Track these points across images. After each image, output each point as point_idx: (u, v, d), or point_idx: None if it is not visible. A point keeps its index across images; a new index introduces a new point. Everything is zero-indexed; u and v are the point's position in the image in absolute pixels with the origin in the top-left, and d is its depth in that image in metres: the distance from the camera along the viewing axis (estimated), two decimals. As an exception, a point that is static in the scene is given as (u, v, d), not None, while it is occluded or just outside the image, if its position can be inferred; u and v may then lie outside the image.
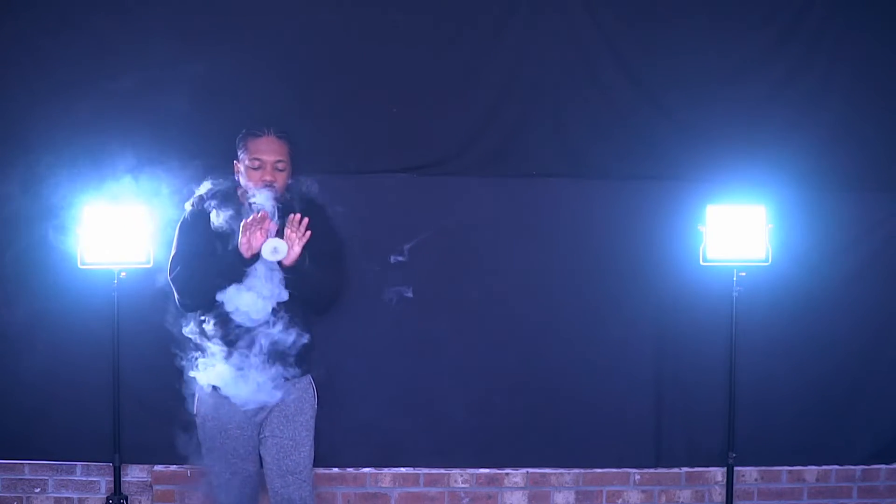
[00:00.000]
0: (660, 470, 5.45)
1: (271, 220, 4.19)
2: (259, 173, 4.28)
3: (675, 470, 5.46)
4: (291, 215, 4.22)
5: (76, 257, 4.83)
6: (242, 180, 4.34)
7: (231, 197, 4.35)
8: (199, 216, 4.30)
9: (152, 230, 4.84)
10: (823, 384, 5.44)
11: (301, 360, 4.41)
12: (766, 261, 5.08)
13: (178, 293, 4.29)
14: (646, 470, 5.44)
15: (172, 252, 4.33)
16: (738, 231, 5.07)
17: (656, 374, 5.41)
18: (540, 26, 5.23)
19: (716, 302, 5.27)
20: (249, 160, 4.31)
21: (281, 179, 4.32)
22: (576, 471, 5.41)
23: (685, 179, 5.29)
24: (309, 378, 4.51)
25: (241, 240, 4.15)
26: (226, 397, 4.32)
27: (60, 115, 5.04)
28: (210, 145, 4.87)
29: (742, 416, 5.34)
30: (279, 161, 4.32)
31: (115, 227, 4.84)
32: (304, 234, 4.19)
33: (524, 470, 5.41)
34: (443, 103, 5.23)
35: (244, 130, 4.38)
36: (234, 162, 4.38)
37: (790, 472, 5.49)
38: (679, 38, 5.28)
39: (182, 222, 4.37)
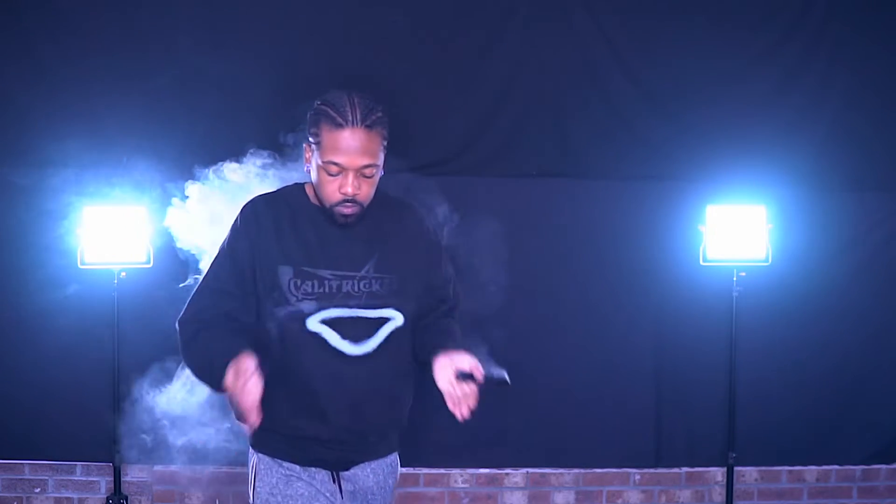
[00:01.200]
0: (660, 470, 5.51)
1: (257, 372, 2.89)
2: (336, 182, 3.00)
3: (676, 470, 5.52)
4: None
5: (76, 257, 4.88)
6: (313, 175, 3.07)
7: (296, 198, 3.16)
8: (258, 223, 3.10)
9: (152, 230, 4.87)
10: (823, 384, 5.48)
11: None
12: (766, 261, 5.15)
13: (182, 351, 3.13)
14: (646, 470, 5.51)
15: (204, 274, 3.15)
16: (737, 231, 5.12)
17: (656, 374, 5.47)
18: (540, 27, 5.27)
19: (716, 302, 5.33)
20: (323, 160, 3.00)
21: (367, 189, 3.04)
22: (576, 471, 5.47)
23: (685, 179, 5.35)
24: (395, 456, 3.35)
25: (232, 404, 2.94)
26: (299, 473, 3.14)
27: (59, 115, 5.08)
28: (213, 146, 4.77)
29: (742, 416, 5.37)
30: (368, 166, 3.00)
31: (116, 227, 4.87)
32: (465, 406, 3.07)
33: (524, 470, 5.46)
34: (443, 104, 5.24)
35: (317, 103, 3.06)
36: (304, 145, 3.09)
37: (790, 472, 5.55)
38: (679, 39, 5.35)
39: (233, 231, 3.12)
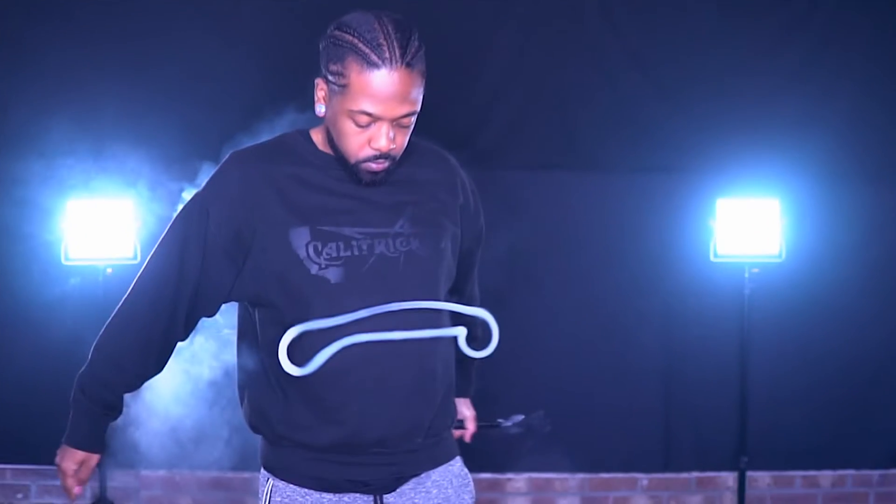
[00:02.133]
0: (668, 475, 5.51)
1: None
2: (365, 134, 2.52)
3: (685, 475, 5.52)
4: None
5: (60, 253, 4.87)
6: (332, 122, 2.57)
7: (301, 148, 2.67)
8: (249, 181, 2.57)
9: (139, 224, 4.88)
10: (839, 385, 5.46)
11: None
12: (780, 257, 5.12)
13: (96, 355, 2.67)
14: (654, 475, 5.51)
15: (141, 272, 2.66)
16: (750, 225, 5.10)
17: (665, 374, 5.47)
18: (543, 14, 5.28)
19: (727, 300, 5.30)
20: (350, 108, 2.50)
21: (403, 140, 2.58)
22: (581, 476, 5.48)
23: (694, 172, 5.32)
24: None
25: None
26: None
27: (42, 103, 5.07)
28: (202, 137, 4.87)
29: (754, 418, 5.34)
30: (407, 115, 2.54)
31: (101, 222, 4.86)
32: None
33: (527, 475, 5.48)
34: (440, 94, 5.03)
35: (337, 30, 2.55)
36: (317, 80, 2.58)
37: (804, 477, 5.54)
38: (689, 27, 5.34)
39: (189, 209, 2.61)
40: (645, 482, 5.54)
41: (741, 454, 5.37)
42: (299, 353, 2.46)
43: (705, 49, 5.36)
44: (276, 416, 2.60)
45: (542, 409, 5.16)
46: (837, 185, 5.41)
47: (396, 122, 2.53)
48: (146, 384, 2.67)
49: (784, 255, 5.15)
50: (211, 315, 2.66)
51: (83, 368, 2.64)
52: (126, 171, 4.93)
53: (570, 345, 5.45)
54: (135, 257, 4.89)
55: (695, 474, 5.56)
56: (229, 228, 2.54)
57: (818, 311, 5.42)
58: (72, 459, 2.65)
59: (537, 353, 5.37)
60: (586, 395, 5.45)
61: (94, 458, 2.67)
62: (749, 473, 5.43)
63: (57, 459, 2.67)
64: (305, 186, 2.59)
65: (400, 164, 2.63)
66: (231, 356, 4.50)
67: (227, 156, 2.62)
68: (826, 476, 5.57)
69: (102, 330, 2.64)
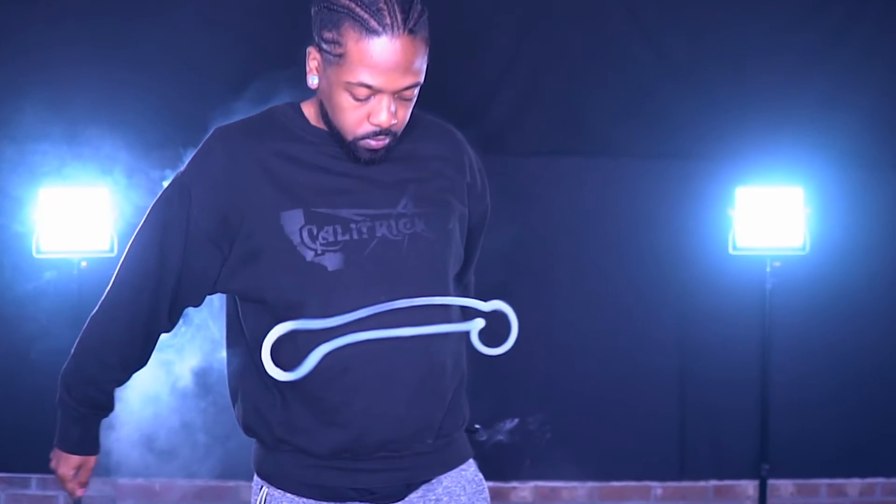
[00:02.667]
0: (684, 483, 5.49)
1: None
2: (363, 109, 2.41)
3: (702, 483, 5.49)
4: None
5: (31, 245, 4.85)
6: (326, 94, 2.45)
7: (291, 123, 2.55)
8: (234, 160, 2.47)
9: (116, 215, 4.85)
10: (868, 386, 5.47)
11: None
12: (804, 249, 5.11)
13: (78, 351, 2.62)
14: (669, 483, 5.48)
15: (122, 261, 2.62)
16: (771, 216, 5.08)
17: (680, 375, 5.45)
18: None
19: (746, 295, 5.29)
20: (348, 79, 2.39)
21: (405, 115, 2.47)
22: (590, 484, 5.45)
23: (712, 158, 5.32)
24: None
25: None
26: None
27: (12, 88, 5.05)
28: (184, 120, 4.82)
29: (776, 422, 5.34)
30: (409, 87, 2.43)
31: (76, 212, 4.83)
32: None
33: (532, 483, 5.46)
34: (442, 75, 5.16)
35: None
36: (308, 49, 2.47)
37: (830, 485, 5.52)
38: (706, 4, 5.34)
39: (167, 195, 2.52)
40: (659, 491, 5.50)
41: (762, 461, 5.34)
42: (291, 351, 2.36)
43: (723, 27, 5.36)
44: (273, 418, 2.48)
45: (542, 413, 5.33)
46: (865, 172, 5.40)
47: (398, 95, 2.41)
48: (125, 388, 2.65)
49: (808, 248, 5.13)
50: (197, 305, 2.57)
51: (66, 365, 2.59)
52: (102, 158, 4.90)
53: (578, 343, 5.43)
54: (111, 250, 4.87)
55: (712, 482, 5.52)
56: (213, 212, 2.42)
57: (845, 308, 5.40)
58: (67, 465, 2.61)
59: (542, 352, 5.34)
60: (595, 396, 5.43)
61: (91, 459, 2.63)
62: (771, 482, 5.40)
63: (52, 465, 2.63)
64: (297, 164, 2.46)
65: (402, 138, 2.51)
66: (212, 358, 4.63)
67: (210, 132, 2.51)
68: (854, 484, 5.55)
69: (85, 325, 2.58)
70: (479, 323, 2.51)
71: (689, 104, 5.35)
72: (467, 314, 2.56)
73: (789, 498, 5.52)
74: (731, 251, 5.12)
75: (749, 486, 5.48)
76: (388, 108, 2.37)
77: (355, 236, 2.42)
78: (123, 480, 5.23)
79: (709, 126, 5.33)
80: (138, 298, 2.49)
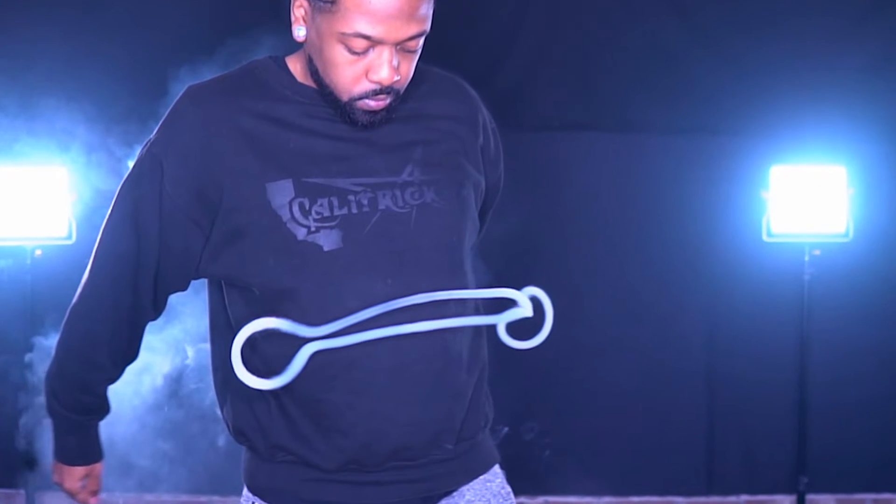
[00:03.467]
0: (712, 498, 5.46)
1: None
2: (361, 64, 2.25)
3: (732, 498, 5.46)
4: None
5: None
6: (316, 48, 2.28)
7: (275, 80, 2.39)
8: (207, 127, 2.31)
9: (75, 197, 4.79)
10: None
11: None
12: (846, 235, 5.04)
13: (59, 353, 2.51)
14: (695, 498, 5.46)
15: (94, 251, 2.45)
16: (810, 198, 5.03)
17: (708, 376, 5.42)
18: None
19: (783, 287, 5.24)
20: (342, 30, 2.22)
21: (409, 70, 2.31)
22: (607, 499, 5.44)
23: (744, 134, 5.28)
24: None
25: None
26: None
27: None
28: (149, 92, 4.55)
29: (815, 429, 5.30)
30: (414, 37, 2.27)
31: (30, 194, 4.78)
32: None
33: (541, 498, 5.43)
34: (443, 43, 5.15)
35: None
36: (295, 3, 2.31)
37: (877, 501, 5.48)
38: None
39: (136, 173, 2.38)
40: None
41: (800, 473, 5.27)
42: (280, 348, 2.22)
43: None
44: (267, 422, 2.35)
45: (551, 418, 5.31)
46: None
47: (401, 47, 2.25)
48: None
49: (851, 234, 5.06)
50: (183, 289, 2.45)
51: (49, 369, 2.48)
52: (59, 133, 4.85)
53: (594, 340, 5.37)
54: (69, 237, 4.81)
55: (744, 498, 5.47)
56: (188, 186, 2.29)
57: (893, 302, 5.37)
58: (72, 478, 2.53)
59: (553, 350, 5.09)
60: (612, 400, 5.40)
61: (97, 466, 2.57)
62: (809, 497, 5.34)
63: (55, 479, 2.56)
64: (284, 128, 2.30)
65: (406, 96, 2.35)
66: (178, 361, 4.56)
67: (176, 100, 2.36)
68: None
69: (64, 323, 2.45)
70: (507, 316, 2.33)
71: (717, 73, 5.29)
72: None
73: (830, 514, 5.39)
74: (765, 238, 5.06)
75: (785, 502, 5.44)
76: (390, 61, 2.22)
77: (354, 210, 2.27)
78: None
79: (739, 98, 5.27)
80: (117, 287, 2.36)
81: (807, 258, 5.13)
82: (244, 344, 2.14)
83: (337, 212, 2.25)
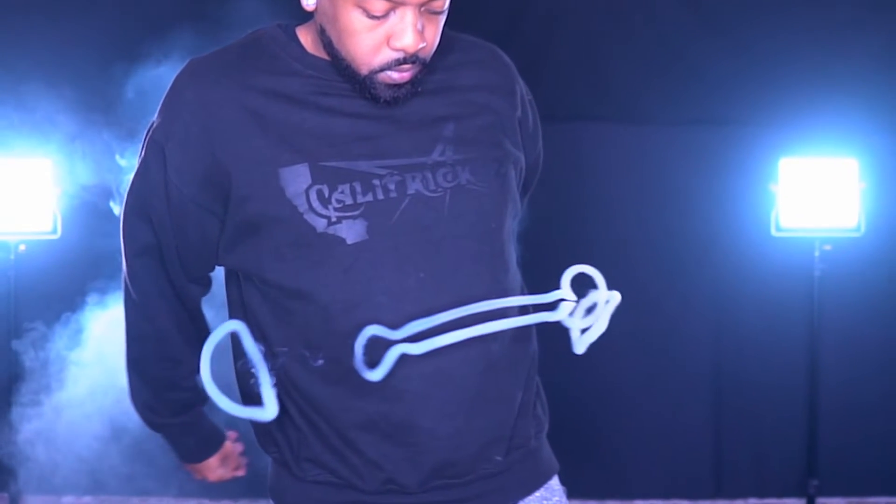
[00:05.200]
0: (719, 502, 5.47)
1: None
2: (381, 30, 2.09)
3: (740, 502, 5.47)
4: None
5: None
6: (329, 16, 2.12)
7: (284, 51, 2.24)
8: (207, 108, 2.18)
9: (60, 191, 4.80)
10: None
11: None
12: (858, 230, 5.04)
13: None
14: (702, 502, 5.47)
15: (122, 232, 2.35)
16: (821, 192, 5.02)
17: (716, 376, 5.43)
18: None
19: (792, 283, 5.25)
20: None
21: (434, 37, 2.16)
22: (611, 503, 5.43)
23: (753, 124, 5.29)
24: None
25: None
26: None
27: None
28: (140, 77, 4.65)
29: (826, 431, 5.30)
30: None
31: (14, 188, 4.78)
32: None
33: None
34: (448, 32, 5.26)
35: None
36: None
37: None
38: None
39: (151, 141, 2.27)
40: None
41: (810, 476, 5.26)
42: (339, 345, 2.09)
43: None
44: (294, 434, 2.21)
45: (551, 420, 5.06)
46: None
47: (426, 8, 2.08)
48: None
49: (863, 229, 5.06)
50: (211, 270, 2.33)
51: (132, 390, 2.37)
52: (43, 124, 4.84)
53: (600, 338, 5.09)
54: (54, 231, 4.82)
55: (752, 501, 5.47)
56: (193, 173, 2.15)
57: None
58: (211, 469, 2.47)
59: (556, 347, 5.09)
60: (616, 400, 5.42)
61: (227, 445, 2.47)
62: (820, 500, 5.33)
63: (198, 477, 2.51)
64: (296, 105, 2.13)
65: (433, 67, 2.18)
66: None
67: (175, 77, 2.22)
68: None
69: (127, 338, 2.36)
70: (560, 314, 2.16)
71: (725, 63, 5.30)
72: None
73: (841, 518, 5.41)
74: (774, 232, 5.07)
75: None
76: (414, 25, 2.05)
77: (380, 195, 2.10)
78: (68, 499, 5.23)
79: (748, 88, 5.29)
80: (156, 279, 2.28)
81: (817, 254, 5.12)
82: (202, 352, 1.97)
83: (360, 199, 2.09)
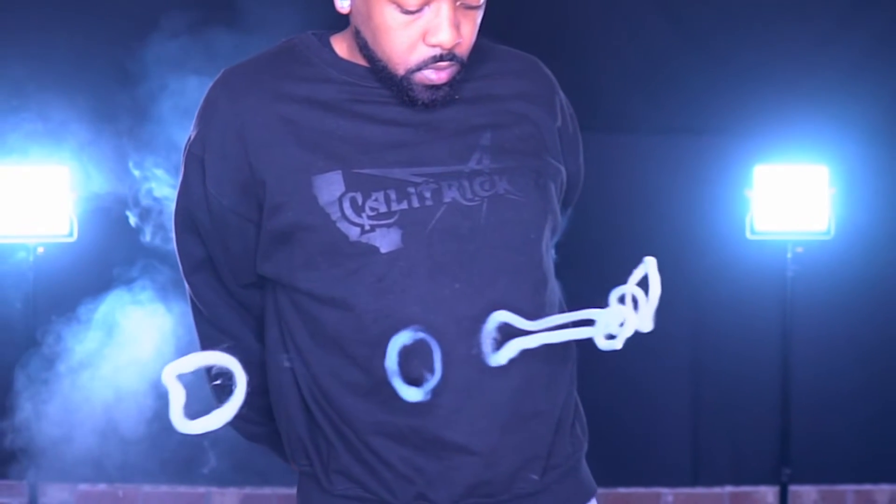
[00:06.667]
0: (698, 489, 5.47)
1: None
2: (416, 26, 2.04)
3: (717, 489, 5.48)
4: None
5: None
6: (362, 17, 2.09)
7: (317, 57, 2.18)
8: (240, 117, 2.13)
9: (76, 195, 4.82)
10: None
11: None
12: (828, 233, 5.07)
13: None
14: (681, 489, 5.47)
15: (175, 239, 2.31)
16: (793, 197, 5.04)
17: (693, 371, 5.44)
18: None
19: (766, 284, 5.29)
20: None
21: (472, 34, 2.11)
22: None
23: (728, 133, 5.30)
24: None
25: None
26: None
27: None
28: (149, 93, 4.70)
29: (798, 422, 5.32)
30: None
31: (33, 194, 4.80)
32: None
33: None
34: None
35: None
36: None
37: (857, 491, 5.51)
38: None
39: (189, 154, 2.22)
40: (670, 498, 5.50)
41: (783, 465, 5.31)
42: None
43: None
44: (324, 445, 2.14)
45: None
46: None
47: (461, 3, 2.03)
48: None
49: (833, 232, 5.09)
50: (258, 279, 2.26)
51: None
52: (61, 133, 4.89)
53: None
54: (70, 234, 4.84)
55: (728, 489, 5.52)
56: (231, 182, 2.11)
57: (873, 298, 5.39)
58: None
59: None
60: (599, 394, 5.14)
61: None
62: (792, 488, 5.38)
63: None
64: (330, 112, 2.08)
65: (470, 75, 2.14)
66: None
67: (209, 88, 2.20)
68: (883, 491, 5.53)
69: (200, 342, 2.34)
70: (600, 327, 2.11)
71: (702, 73, 5.32)
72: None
73: (812, 505, 5.54)
74: (748, 235, 5.09)
75: (769, 493, 5.47)
76: (450, 19, 2.00)
77: (416, 203, 2.04)
78: (84, 486, 5.28)
79: (724, 98, 5.30)
80: (217, 290, 2.26)
81: (789, 255, 5.16)
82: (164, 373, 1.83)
83: (395, 207, 2.02)
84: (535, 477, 2.10)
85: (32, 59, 5.01)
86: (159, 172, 4.42)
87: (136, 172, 4.44)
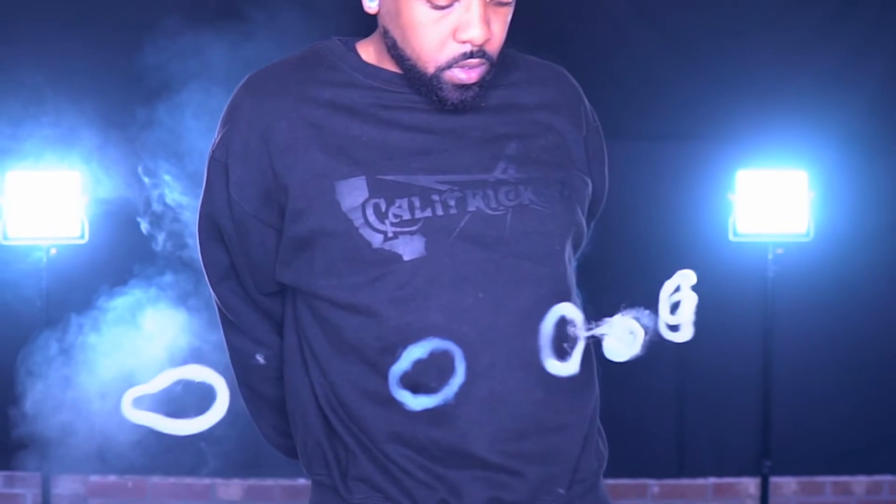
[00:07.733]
0: (682, 480, 5.52)
1: None
2: (447, 22, 2.00)
3: (701, 481, 5.53)
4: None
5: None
6: (391, 17, 2.04)
7: (343, 62, 2.14)
8: (264, 122, 2.08)
9: (87, 200, 4.88)
10: (874, 380, 5.49)
11: None
12: (808, 235, 5.12)
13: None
14: (666, 481, 5.53)
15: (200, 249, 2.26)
16: (774, 200, 5.09)
17: (678, 366, 5.48)
18: None
19: (748, 284, 5.32)
20: None
21: (502, 32, 2.06)
22: None
23: (712, 139, 5.33)
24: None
25: None
26: None
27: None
28: (159, 99, 4.74)
29: (779, 417, 5.37)
30: None
31: (46, 198, 4.86)
32: None
33: None
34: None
35: None
36: None
37: (835, 483, 5.56)
38: None
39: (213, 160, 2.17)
40: (656, 489, 5.56)
41: (764, 457, 5.37)
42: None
43: (726, 4, 5.39)
44: (342, 452, 2.08)
45: None
46: (873, 155, 5.40)
47: (494, 1, 1.99)
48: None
49: (812, 234, 5.14)
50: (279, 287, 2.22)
51: (259, 421, 2.35)
52: (72, 138, 4.91)
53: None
54: (82, 236, 4.90)
55: (712, 480, 5.57)
56: (254, 187, 2.06)
57: (851, 297, 5.41)
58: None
59: None
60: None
61: None
62: (773, 479, 5.44)
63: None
64: (355, 117, 2.04)
65: (497, 83, 2.10)
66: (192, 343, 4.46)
67: (233, 94, 2.14)
68: (860, 482, 5.58)
69: (235, 365, 2.30)
70: (617, 336, 2.12)
71: (687, 82, 5.35)
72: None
73: (792, 496, 5.56)
74: (731, 237, 5.13)
75: (750, 484, 5.52)
76: (481, 15, 1.96)
77: (440, 211, 2.00)
78: (95, 478, 5.32)
79: (708, 105, 5.33)
80: (241, 296, 2.23)
81: (770, 257, 5.21)
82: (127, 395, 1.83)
83: (419, 214, 1.98)
84: (562, 491, 2.06)
85: (47, 69, 5.01)
86: (167, 178, 4.46)
87: (147, 179, 4.49)
